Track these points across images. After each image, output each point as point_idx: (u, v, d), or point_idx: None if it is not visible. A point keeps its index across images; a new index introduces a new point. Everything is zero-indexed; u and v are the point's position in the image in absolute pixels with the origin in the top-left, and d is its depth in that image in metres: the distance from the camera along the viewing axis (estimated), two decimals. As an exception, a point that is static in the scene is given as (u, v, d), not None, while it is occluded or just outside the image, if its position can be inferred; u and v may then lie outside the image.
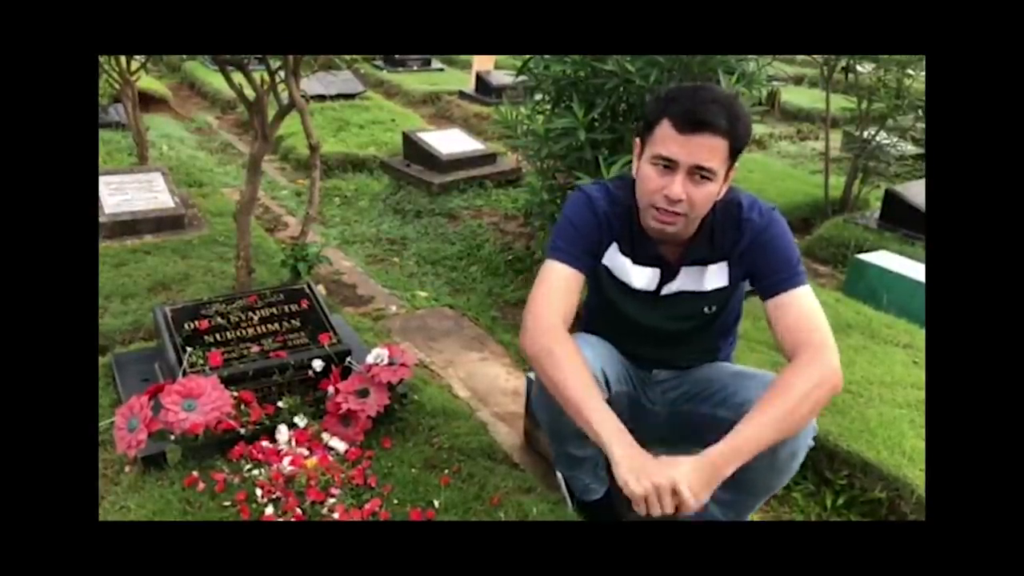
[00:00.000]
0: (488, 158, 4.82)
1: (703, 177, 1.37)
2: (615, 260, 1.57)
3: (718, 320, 1.63)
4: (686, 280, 1.55)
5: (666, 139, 1.37)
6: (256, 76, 2.68)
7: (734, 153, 1.39)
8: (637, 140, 1.48)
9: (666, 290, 1.56)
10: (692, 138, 1.34)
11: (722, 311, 1.60)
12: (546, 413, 1.61)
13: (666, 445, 1.82)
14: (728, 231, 1.50)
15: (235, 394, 1.91)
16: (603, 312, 1.67)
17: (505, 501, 1.77)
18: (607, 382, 1.62)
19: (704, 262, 1.53)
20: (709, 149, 1.34)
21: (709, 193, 1.39)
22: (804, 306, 1.42)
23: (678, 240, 1.51)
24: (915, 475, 1.86)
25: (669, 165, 1.37)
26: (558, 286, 1.49)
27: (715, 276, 1.54)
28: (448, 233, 3.96)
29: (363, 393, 1.97)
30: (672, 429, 1.75)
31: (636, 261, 1.55)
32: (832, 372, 1.34)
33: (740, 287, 1.59)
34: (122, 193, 3.48)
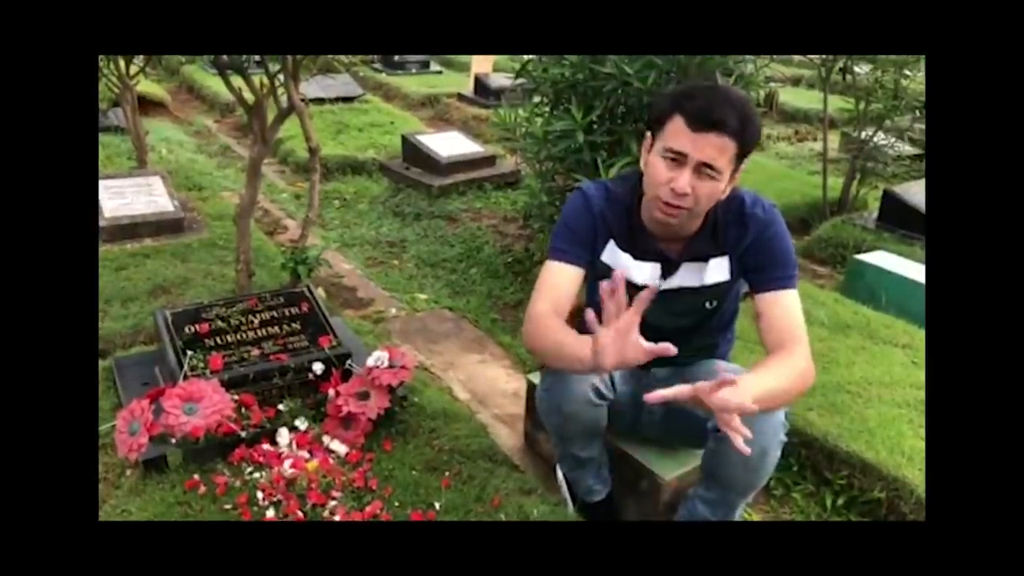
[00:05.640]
0: (487, 160, 4.82)
1: (709, 175, 1.38)
2: (615, 256, 1.58)
3: (716, 315, 1.64)
4: (686, 275, 1.57)
5: (678, 133, 1.38)
6: (255, 79, 2.69)
7: (741, 155, 1.41)
8: (648, 134, 1.49)
9: (667, 285, 1.58)
10: (703, 135, 1.36)
11: (721, 306, 1.61)
12: (552, 415, 1.62)
13: (662, 445, 1.84)
14: (732, 226, 1.52)
15: (236, 397, 1.91)
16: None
17: (506, 502, 1.78)
18: (612, 382, 1.64)
19: (705, 257, 1.55)
20: (719, 148, 1.36)
21: (714, 190, 1.41)
22: (794, 307, 1.48)
23: (680, 235, 1.53)
24: (914, 475, 1.87)
25: (678, 159, 1.39)
26: (552, 281, 1.54)
27: (716, 270, 1.56)
28: (447, 235, 3.97)
29: (363, 396, 1.97)
30: (667, 429, 1.76)
31: (636, 257, 1.57)
32: (811, 371, 1.41)
33: (739, 282, 1.60)
34: (121, 197, 3.49)
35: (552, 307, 1.48)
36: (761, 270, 1.50)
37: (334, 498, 1.74)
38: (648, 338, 1.68)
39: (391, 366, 2.01)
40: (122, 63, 3.89)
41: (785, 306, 1.47)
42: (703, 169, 1.38)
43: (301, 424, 1.96)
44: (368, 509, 1.72)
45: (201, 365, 1.98)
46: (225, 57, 2.55)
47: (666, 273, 1.57)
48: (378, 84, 7.94)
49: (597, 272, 1.61)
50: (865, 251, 3.52)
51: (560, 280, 1.54)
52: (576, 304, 1.55)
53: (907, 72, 4.11)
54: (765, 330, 1.46)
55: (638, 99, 2.79)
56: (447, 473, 1.87)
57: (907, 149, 4.99)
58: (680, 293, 1.58)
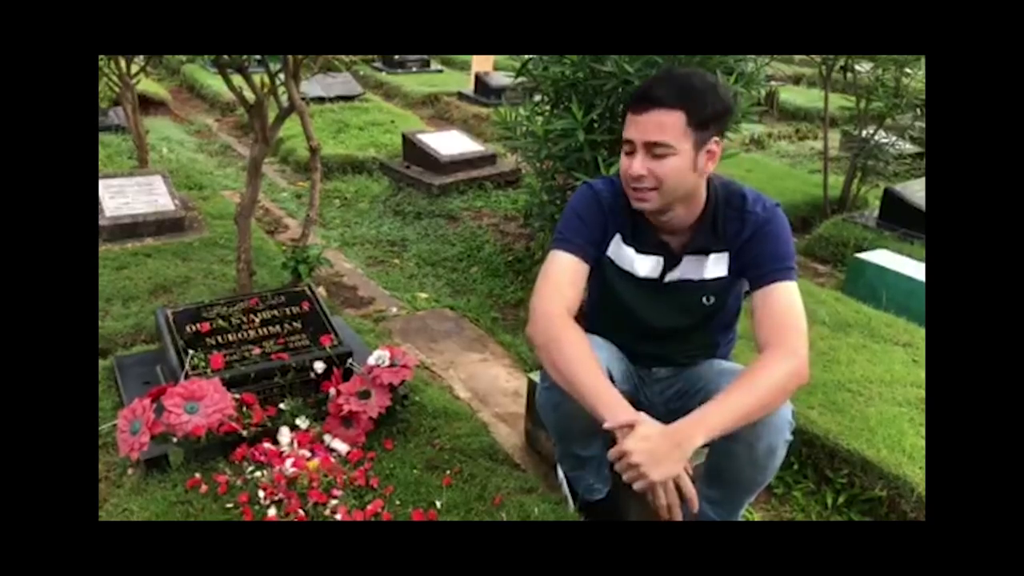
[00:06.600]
0: (488, 159, 4.82)
1: (659, 153, 1.40)
2: (619, 250, 1.59)
3: (718, 315, 1.64)
4: (687, 268, 1.57)
5: (627, 124, 1.44)
6: (256, 79, 2.69)
7: (699, 125, 1.40)
8: None
9: (669, 277, 1.58)
10: (642, 116, 1.40)
11: (721, 304, 1.61)
12: (552, 413, 1.62)
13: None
14: (731, 222, 1.52)
15: (237, 396, 1.91)
16: (606, 309, 1.68)
17: (507, 501, 1.78)
18: (612, 381, 1.64)
19: (706, 251, 1.55)
20: (658, 124, 1.39)
21: (673, 167, 1.41)
22: (788, 300, 1.44)
23: (679, 227, 1.53)
24: (915, 473, 1.87)
25: (630, 148, 1.43)
26: (563, 276, 1.52)
27: (715, 265, 1.56)
28: (448, 234, 3.97)
29: (364, 395, 1.97)
30: None
31: (640, 250, 1.57)
32: (804, 367, 1.38)
33: (740, 281, 1.60)
34: (122, 196, 3.49)
35: (565, 307, 1.46)
36: (756, 266, 1.49)
37: (335, 497, 1.75)
38: (649, 335, 1.69)
39: (392, 365, 2.02)
40: (122, 62, 3.89)
41: (776, 298, 1.44)
42: (652, 149, 1.40)
43: (302, 423, 1.97)
44: (369, 508, 1.72)
45: (202, 364, 1.98)
46: (226, 56, 2.55)
47: (669, 267, 1.57)
48: (378, 83, 7.95)
49: (602, 267, 1.61)
50: (866, 250, 3.52)
51: (571, 276, 1.52)
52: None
53: (908, 70, 4.11)
54: (756, 325, 1.44)
55: (639, 98, 2.78)
56: (448, 472, 1.87)
57: (908, 147, 4.99)
58: (680, 286, 1.58)
